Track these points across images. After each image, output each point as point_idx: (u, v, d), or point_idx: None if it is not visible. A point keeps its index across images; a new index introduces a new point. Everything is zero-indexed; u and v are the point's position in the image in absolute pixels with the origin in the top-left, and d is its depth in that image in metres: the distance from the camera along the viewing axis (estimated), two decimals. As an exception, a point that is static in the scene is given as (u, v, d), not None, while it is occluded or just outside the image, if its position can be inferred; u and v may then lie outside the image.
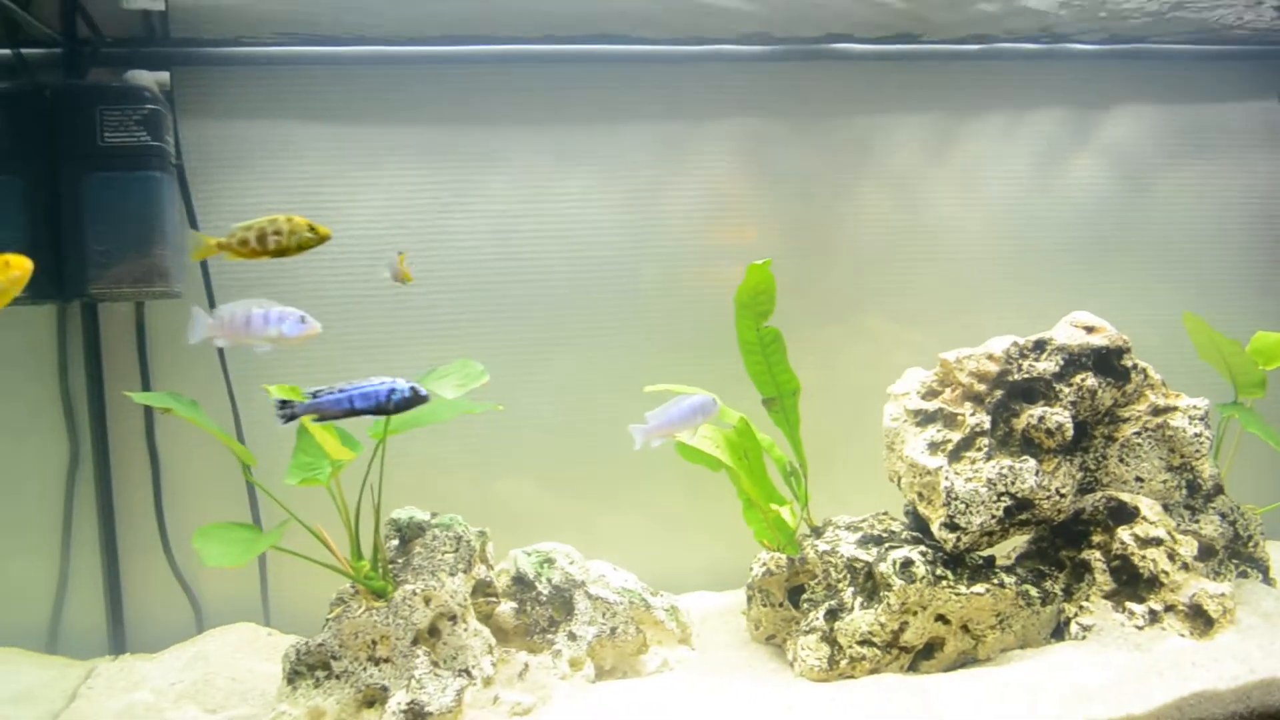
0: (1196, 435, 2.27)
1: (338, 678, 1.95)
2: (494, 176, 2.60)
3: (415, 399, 1.82)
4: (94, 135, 2.23)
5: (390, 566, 2.06)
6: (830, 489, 2.41)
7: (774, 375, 2.27)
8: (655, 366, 2.54)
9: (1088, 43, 2.81)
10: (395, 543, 2.10)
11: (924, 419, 2.22)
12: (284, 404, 1.77)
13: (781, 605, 2.26)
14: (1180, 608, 2.08)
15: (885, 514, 2.33)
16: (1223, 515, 2.37)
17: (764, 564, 2.27)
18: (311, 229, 1.77)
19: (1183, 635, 2.05)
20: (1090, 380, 2.20)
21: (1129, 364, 2.25)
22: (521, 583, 2.20)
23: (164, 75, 2.36)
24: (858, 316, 2.78)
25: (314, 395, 1.79)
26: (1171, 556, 2.15)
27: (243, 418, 2.49)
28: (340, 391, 1.79)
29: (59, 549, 2.47)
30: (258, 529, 1.86)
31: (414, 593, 1.97)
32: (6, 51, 2.33)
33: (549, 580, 2.19)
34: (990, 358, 2.19)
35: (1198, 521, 2.33)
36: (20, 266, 1.58)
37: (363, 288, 2.54)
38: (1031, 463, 2.12)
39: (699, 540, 2.64)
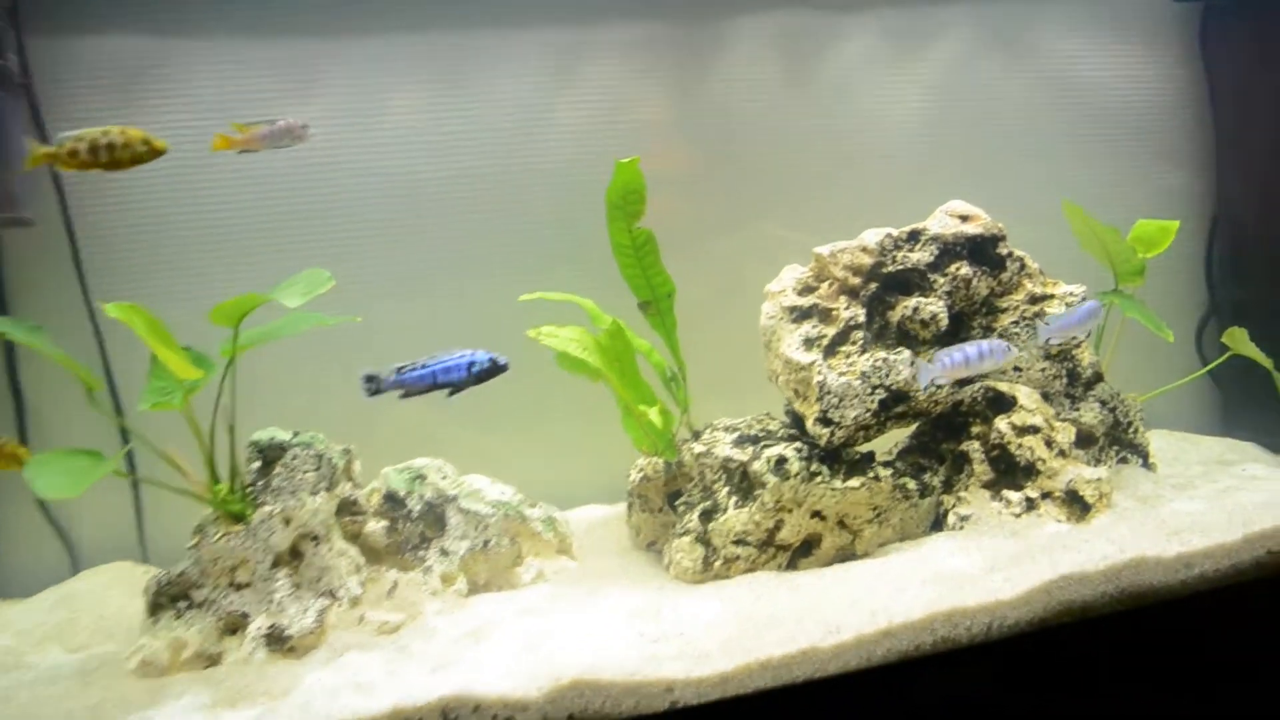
0: (1074, 322, 2.25)
1: (199, 607, 1.88)
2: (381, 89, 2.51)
3: (494, 369, 1.87)
4: (-79, 53, 2.09)
5: (250, 490, 1.98)
6: (723, 395, 2.37)
7: (648, 278, 2.21)
8: (536, 280, 2.46)
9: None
10: (257, 465, 2.02)
11: (799, 315, 2.18)
12: (369, 379, 1.84)
13: (660, 510, 2.23)
14: (1057, 494, 2.08)
15: (767, 414, 2.29)
16: (1103, 403, 2.37)
17: (641, 469, 2.23)
18: (145, 141, 1.68)
19: (1059, 521, 2.05)
20: (965, 269, 2.17)
21: (1004, 252, 2.22)
22: (392, 500, 2.14)
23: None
24: (756, 222, 2.72)
25: (398, 371, 1.84)
26: (1049, 444, 2.14)
27: (107, 344, 2.39)
28: (423, 367, 1.85)
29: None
30: (99, 455, 1.77)
31: (271, 514, 1.90)
32: None
33: (420, 496, 2.13)
34: (864, 249, 2.14)
35: (1078, 410, 2.33)
36: None
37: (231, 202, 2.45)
38: (907, 354, 2.09)
39: (590, 454, 2.59)
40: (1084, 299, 2.21)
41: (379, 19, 2.52)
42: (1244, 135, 2.84)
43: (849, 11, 2.77)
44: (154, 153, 1.70)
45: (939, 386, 2.04)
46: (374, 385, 1.84)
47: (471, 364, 1.86)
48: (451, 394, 1.87)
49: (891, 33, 2.78)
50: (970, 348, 1.96)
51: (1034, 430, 2.15)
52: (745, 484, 2.07)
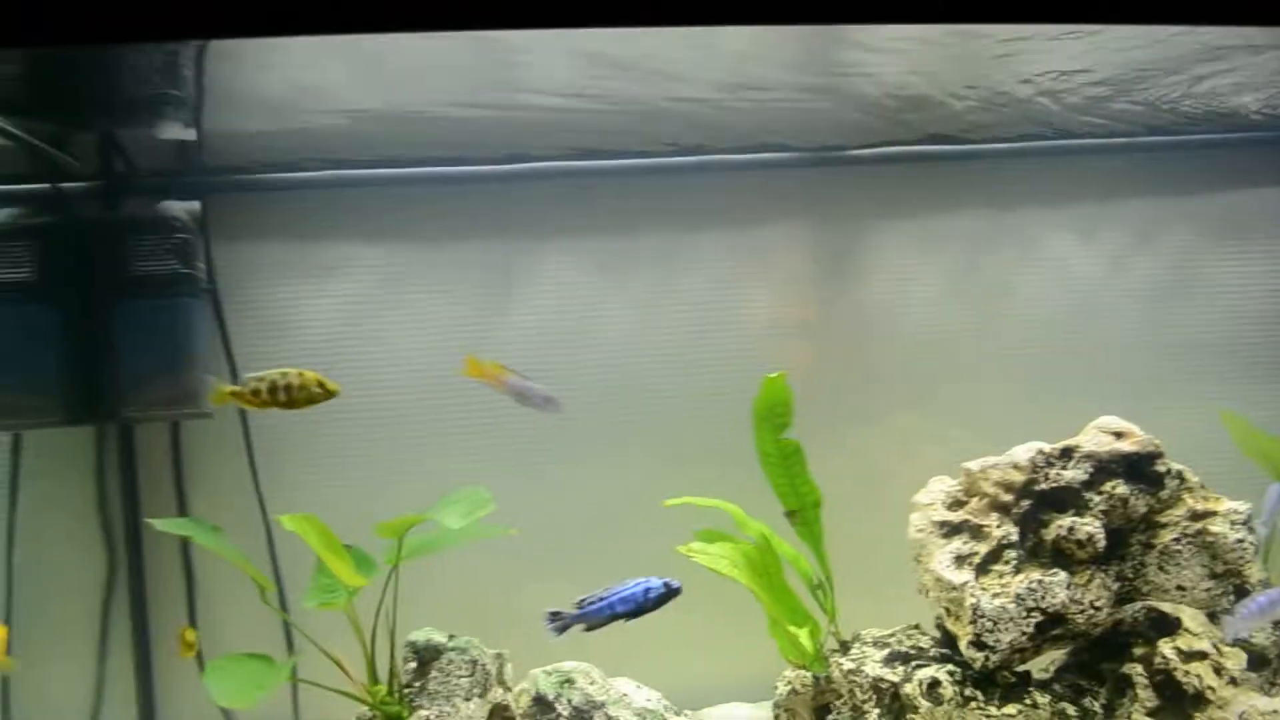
0: (1239, 541, 2.17)
1: (354, 805, 1.93)
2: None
3: (669, 593, 1.96)
4: (127, 265, 2.32)
5: (408, 690, 2.04)
6: (865, 596, 2.35)
7: (795, 487, 2.24)
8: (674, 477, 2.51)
9: (1102, 136, 2.76)
10: (413, 665, 2.09)
11: (949, 530, 2.17)
12: (554, 615, 1.93)
13: (809, 726, 2.20)
14: (1229, 726, 1.98)
15: (916, 627, 2.26)
16: (1276, 622, 2.26)
17: (789, 682, 2.21)
18: (320, 384, 1.83)
19: (1232, 757, 1.95)
20: (1121, 488, 2.13)
21: (1162, 469, 2.17)
22: (541, 703, 2.17)
23: (195, 204, 2.44)
24: (890, 416, 2.74)
25: (579, 605, 1.93)
26: (1218, 670, 2.05)
27: (276, 539, 2.52)
28: (602, 600, 1.94)
29: (94, 665, 2.50)
30: (271, 661, 1.87)
31: (428, 718, 1.95)
32: (48, 186, 2.43)
33: (569, 701, 2.16)
34: (1015, 466, 2.13)
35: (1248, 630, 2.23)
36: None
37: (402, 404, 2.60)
38: (1062, 575, 2.05)
39: (732, 650, 2.58)
40: (1265, 586, 2.16)
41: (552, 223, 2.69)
42: None
43: (1004, 210, 2.81)
44: (327, 394, 1.84)
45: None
46: (560, 622, 1.91)
47: (647, 590, 1.93)
48: (629, 620, 1.93)
49: (1031, 234, 2.81)
50: (1262, 597, 2.00)
51: (1201, 656, 2.06)
52: (897, 706, 2.04)
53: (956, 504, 2.20)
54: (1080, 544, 2.08)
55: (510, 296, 2.65)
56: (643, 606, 1.93)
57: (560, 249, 2.68)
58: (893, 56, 2.20)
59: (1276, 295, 2.84)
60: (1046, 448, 2.15)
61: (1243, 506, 2.20)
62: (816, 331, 2.75)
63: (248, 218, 2.57)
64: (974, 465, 2.17)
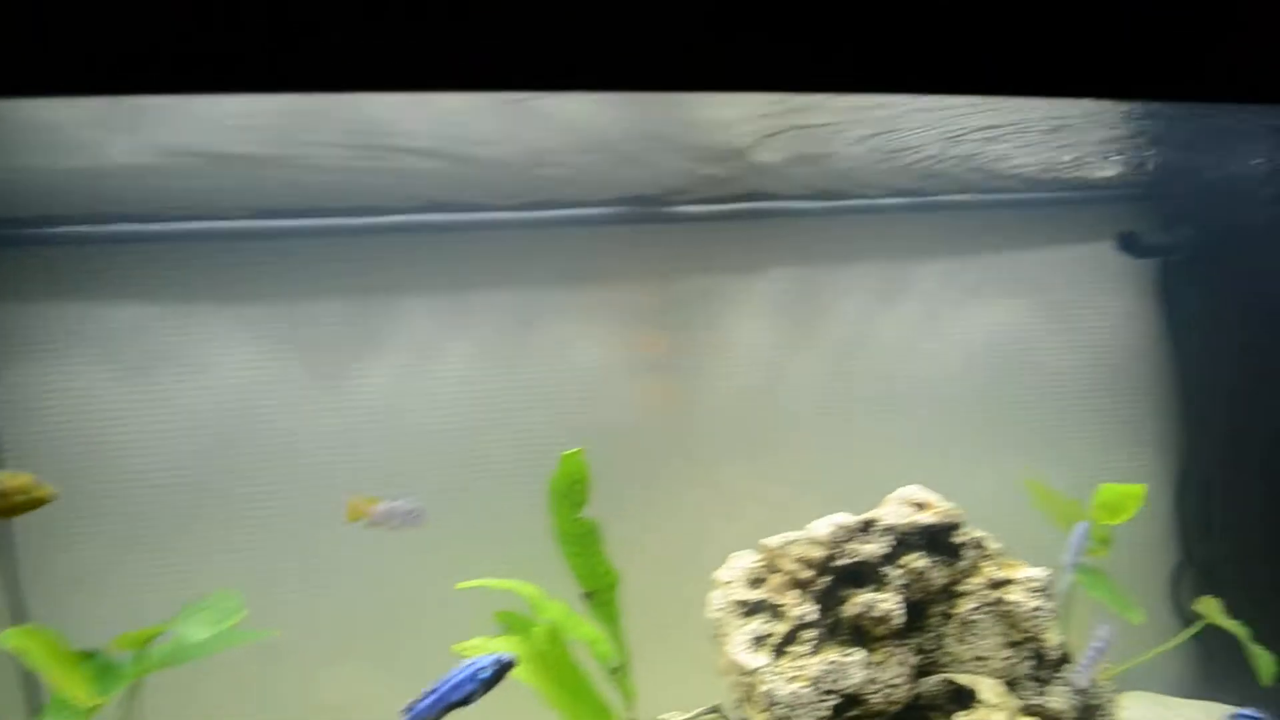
0: (1036, 609, 2.16)
1: None
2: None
3: (502, 669, 1.81)
4: None
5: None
6: (673, 675, 2.27)
7: (593, 568, 2.14)
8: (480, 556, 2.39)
9: (922, 195, 2.74)
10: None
11: (748, 610, 2.09)
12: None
13: (604, 819, 2.10)
14: (1024, 800, 1.97)
15: (716, 709, 2.19)
16: (1073, 689, 2.26)
17: (584, 774, 2.12)
18: (28, 490, 1.63)
19: (1027, 832, 1.93)
20: (920, 561, 2.09)
21: (961, 540, 2.15)
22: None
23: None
24: (712, 478, 2.67)
25: (409, 709, 1.76)
26: (1014, 742, 2.03)
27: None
28: (432, 693, 1.78)
29: None
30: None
31: None
32: None
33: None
34: (815, 542, 2.07)
35: (1044, 694, 2.22)
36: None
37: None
38: (860, 654, 2.00)
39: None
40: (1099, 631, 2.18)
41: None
42: (1207, 388, 2.80)
43: (842, 264, 2.76)
44: (33, 502, 1.64)
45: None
46: None
47: (476, 672, 1.78)
48: (466, 705, 1.79)
49: (850, 291, 2.77)
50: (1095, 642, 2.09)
51: (997, 729, 2.04)
52: (690, 801, 1.96)
53: (756, 581, 2.13)
54: (878, 621, 2.03)
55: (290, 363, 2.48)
56: (474, 692, 1.79)
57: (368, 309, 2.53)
58: (715, 113, 2.10)
59: (1089, 351, 2.87)
60: (847, 521, 2.10)
61: (1040, 573, 2.19)
62: (635, 393, 2.65)
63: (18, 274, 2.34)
64: (774, 541, 2.10)
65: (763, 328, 2.69)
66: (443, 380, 2.52)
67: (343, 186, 2.30)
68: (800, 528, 2.13)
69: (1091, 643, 2.14)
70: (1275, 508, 2.64)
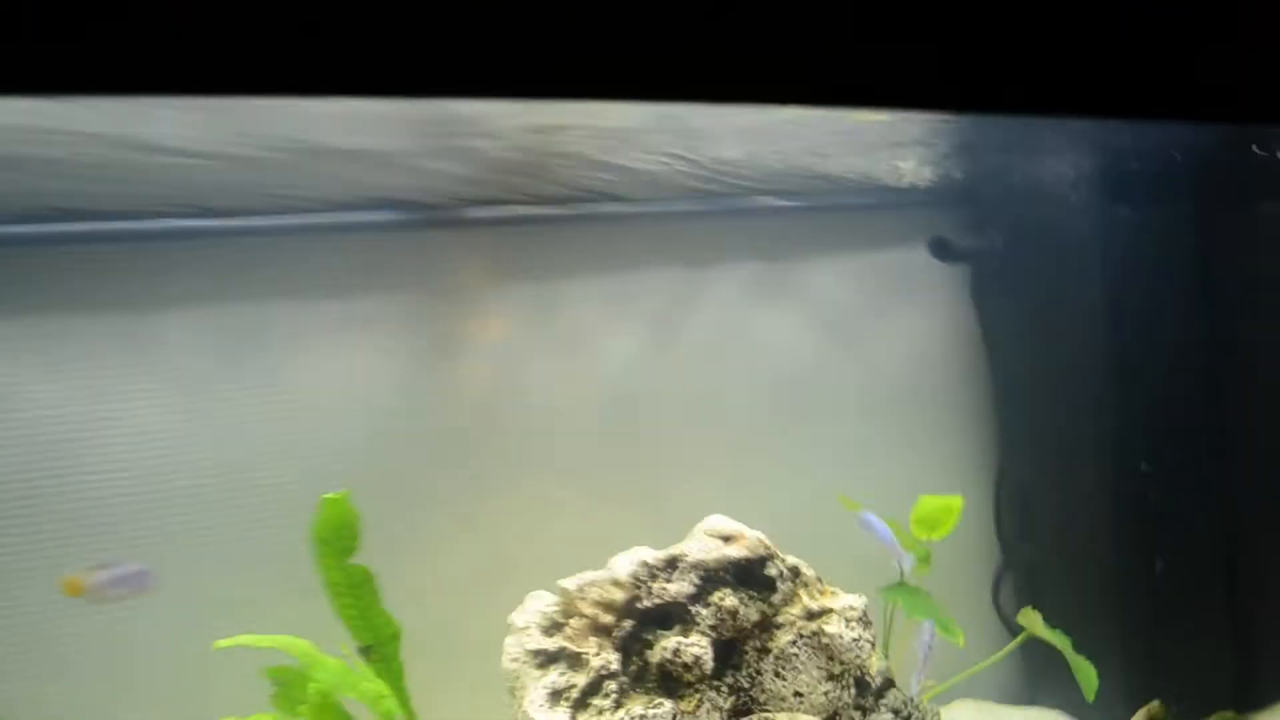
0: (855, 640, 2.03)
1: None
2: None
3: None
4: None
5: None
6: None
7: (369, 620, 1.90)
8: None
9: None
10: None
11: (546, 660, 1.89)
12: None
13: None
14: None
15: (514, 772, 1.97)
16: (895, 711, 2.14)
17: None
18: None
19: None
20: (730, 598, 1.93)
21: (775, 571, 1.99)
22: None
23: None
24: (521, 497, 2.45)
25: None
26: (835, 784, 1.89)
27: None
28: None
29: None
30: None
31: None
32: None
33: None
34: (615, 584, 1.88)
35: (868, 726, 2.10)
36: None
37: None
38: (668, 705, 1.82)
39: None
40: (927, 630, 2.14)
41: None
42: (1018, 392, 2.75)
43: (644, 270, 2.57)
44: None
45: None
46: None
47: None
48: None
49: (665, 295, 2.59)
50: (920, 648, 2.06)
51: (816, 773, 1.89)
52: None
53: (554, 627, 1.93)
54: (687, 666, 1.86)
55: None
56: None
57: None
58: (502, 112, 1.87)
59: (906, 358, 2.78)
60: (650, 557, 1.92)
61: (858, 602, 2.06)
62: (421, 415, 2.41)
63: None
64: (570, 584, 1.90)
65: (555, 339, 2.48)
66: (194, 412, 2.22)
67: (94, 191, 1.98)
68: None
69: (919, 649, 2.10)
70: (1088, 509, 2.61)
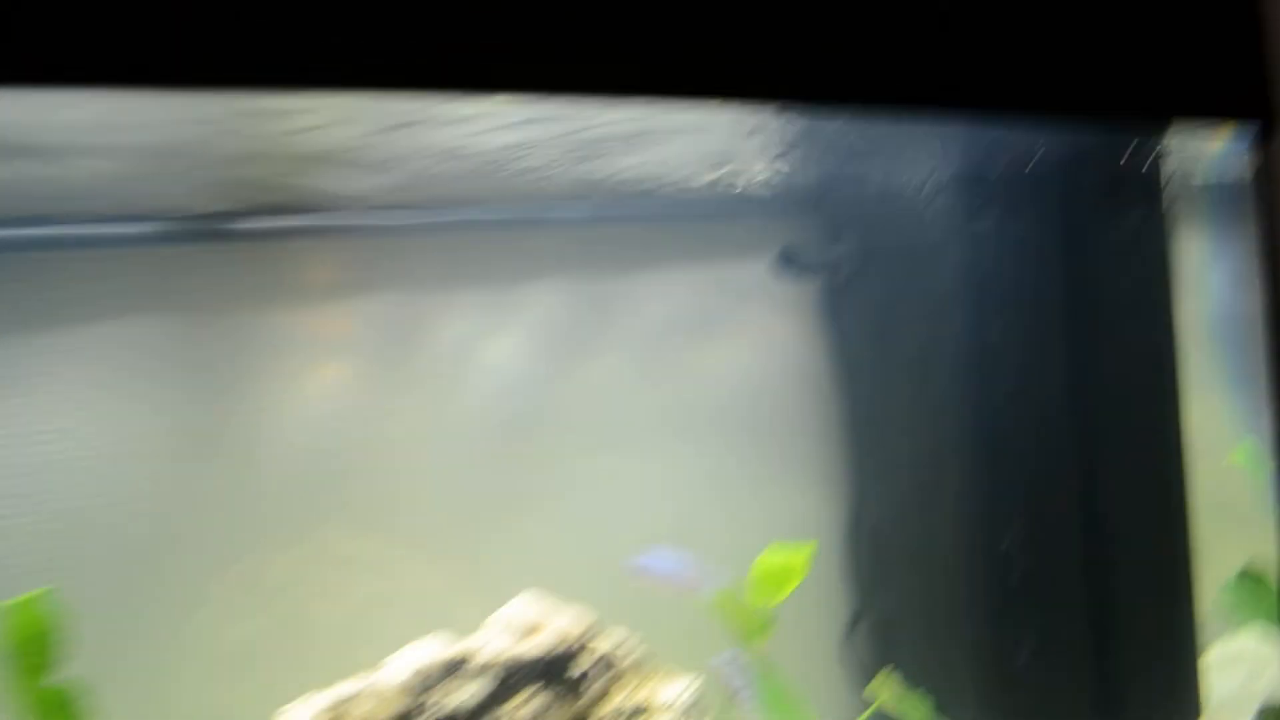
0: (681, 736, 1.74)
1: None
2: None
3: None
4: None
5: None
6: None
7: (75, 750, 1.52)
8: None
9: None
10: None
11: (303, 793, 1.54)
12: None
13: None
14: None
15: None
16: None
17: None
18: None
19: None
20: (534, 702, 1.61)
21: (586, 664, 1.69)
22: None
23: None
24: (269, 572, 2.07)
25: None
26: None
27: None
28: None
29: None
30: None
31: None
32: None
33: None
34: (382, 698, 1.55)
35: (698, 830, 1.82)
36: None
37: None
38: (451, 842, 1.50)
39: None
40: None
41: None
42: (871, 421, 2.49)
43: (448, 288, 2.20)
44: None
45: None
46: None
47: None
48: None
49: (472, 316, 2.23)
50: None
51: None
52: None
53: (314, 747, 1.58)
54: (475, 793, 1.54)
55: None
56: None
57: None
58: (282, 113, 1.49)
59: (750, 382, 2.48)
60: (429, 661, 1.59)
61: (687, 690, 1.77)
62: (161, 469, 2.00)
63: None
64: (324, 702, 1.55)
65: (339, 368, 2.10)
66: None
67: None
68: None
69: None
70: (946, 562, 2.36)
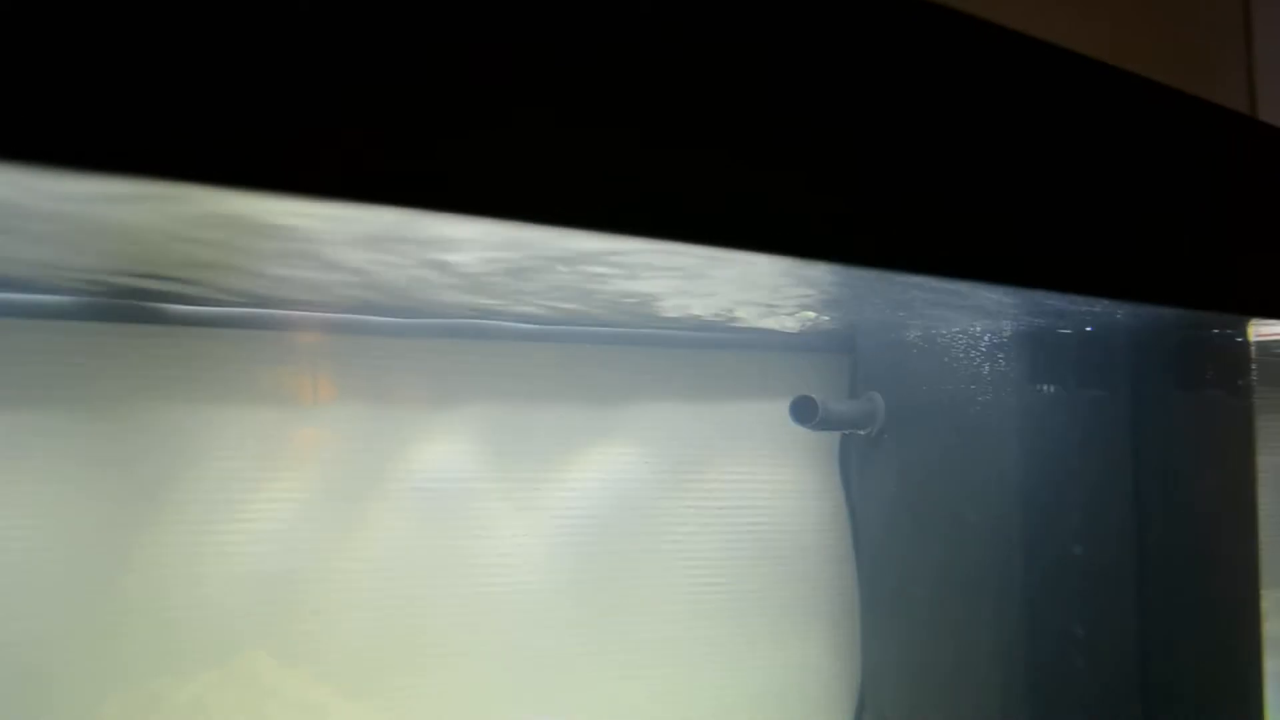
0: None
1: None
2: None
3: None
4: None
5: None
6: None
7: None
8: None
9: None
10: None
11: None
12: None
13: None
14: None
15: None
16: None
17: None
18: None
19: None
20: None
21: None
22: None
23: None
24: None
25: None
26: None
27: None
28: None
29: None
30: None
31: None
32: None
33: None
34: None
35: None
36: None
37: None
38: None
39: None
40: None
41: None
42: (890, 596, 2.19)
43: (436, 409, 1.89)
44: None
45: None
46: None
47: None
48: None
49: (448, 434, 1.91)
50: None
51: None
52: None
53: None
54: None
55: None
56: None
57: None
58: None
59: (760, 533, 2.18)
60: None
61: None
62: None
63: None
64: None
65: (285, 477, 1.78)
66: None
67: None
68: None
69: None
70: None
